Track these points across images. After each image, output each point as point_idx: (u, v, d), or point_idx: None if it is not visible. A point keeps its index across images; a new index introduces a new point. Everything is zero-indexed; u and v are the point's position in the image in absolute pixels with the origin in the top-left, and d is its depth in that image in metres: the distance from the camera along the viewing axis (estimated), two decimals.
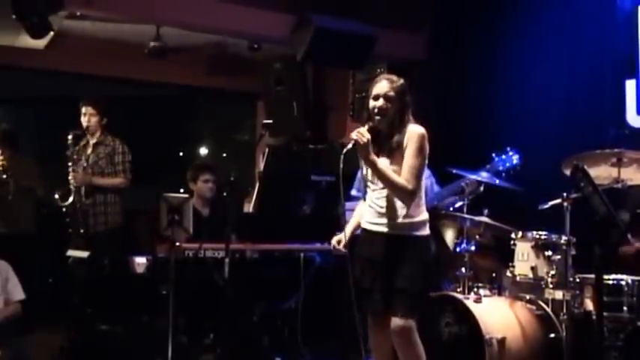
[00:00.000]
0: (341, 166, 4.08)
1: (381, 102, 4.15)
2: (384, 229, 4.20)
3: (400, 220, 4.16)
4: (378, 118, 4.14)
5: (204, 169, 6.65)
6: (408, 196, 4.12)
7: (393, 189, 4.11)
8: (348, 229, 4.36)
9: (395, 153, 4.15)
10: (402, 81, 4.23)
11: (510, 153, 5.57)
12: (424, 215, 4.24)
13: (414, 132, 4.15)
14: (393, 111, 4.15)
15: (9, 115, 10.30)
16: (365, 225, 4.30)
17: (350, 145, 4.05)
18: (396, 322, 4.11)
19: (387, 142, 4.17)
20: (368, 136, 4.04)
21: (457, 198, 5.71)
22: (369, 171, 4.20)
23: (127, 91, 9.48)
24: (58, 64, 8.11)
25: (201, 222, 6.09)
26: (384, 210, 4.19)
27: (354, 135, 4.05)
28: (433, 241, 4.57)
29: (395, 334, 4.15)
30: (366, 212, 4.30)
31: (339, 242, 4.37)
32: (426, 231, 4.23)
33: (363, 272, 4.22)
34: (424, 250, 4.22)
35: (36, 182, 7.10)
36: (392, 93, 4.15)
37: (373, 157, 4.07)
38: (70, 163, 6.50)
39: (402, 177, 4.08)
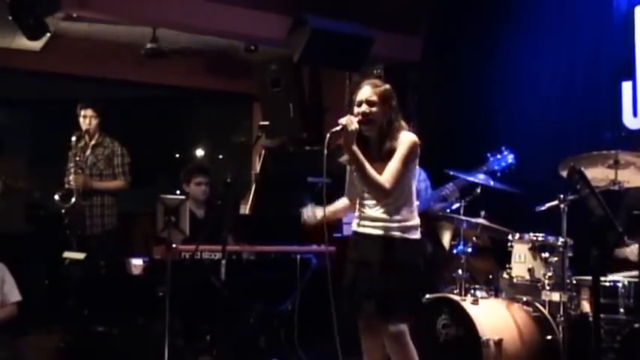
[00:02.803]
0: (325, 152, 4.04)
1: (363, 107, 4.11)
2: (376, 232, 4.17)
3: (393, 223, 4.14)
4: (363, 125, 4.08)
5: (197, 171, 6.66)
6: (383, 195, 4.09)
7: (370, 184, 4.08)
8: (330, 208, 4.32)
9: (385, 158, 4.11)
10: (386, 86, 4.20)
11: (505, 152, 5.59)
12: (416, 220, 4.22)
13: (406, 138, 4.12)
14: (379, 116, 4.11)
15: (5, 116, 10.31)
16: (356, 228, 4.28)
17: (338, 128, 4.00)
18: (388, 326, 4.10)
19: (378, 150, 4.14)
20: (356, 125, 4.02)
21: (452, 200, 5.72)
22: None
23: (123, 92, 9.48)
24: (54, 65, 8.10)
25: (196, 224, 6.08)
26: (376, 214, 4.16)
27: (343, 120, 4.01)
28: (430, 244, 4.56)
29: (387, 339, 4.14)
30: (357, 215, 4.28)
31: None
32: (417, 235, 4.20)
33: (355, 276, 4.19)
34: (415, 254, 4.19)
35: (24, 183, 7.11)
36: (374, 97, 4.11)
37: (356, 147, 4.02)
38: (71, 164, 6.50)
39: (382, 176, 4.05)
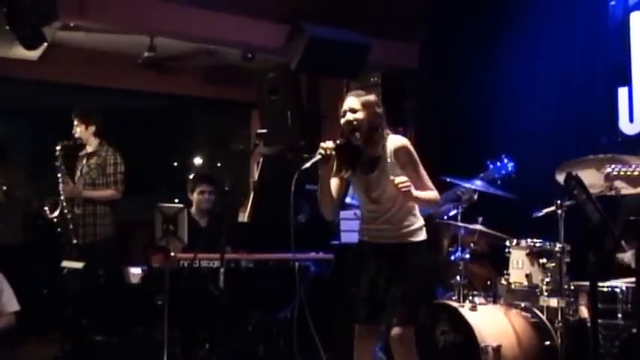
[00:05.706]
0: (293, 183, 4.12)
1: (348, 116, 4.14)
2: (384, 240, 4.20)
3: (400, 230, 4.18)
4: (351, 132, 4.12)
5: (201, 180, 6.64)
6: (436, 203, 4.27)
7: (431, 205, 4.21)
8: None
9: (378, 166, 4.15)
10: (371, 95, 4.25)
11: (505, 160, 5.59)
12: (421, 221, 4.26)
13: (400, 144, 4.14)
14: (363, 122, 4.13)
15: (2, 126, 10.31)
16: (363, 236, 4.30)
17: (310, 163, 4.07)
18: (398, 330, 4.10)
19: (367, 157, 4.18)
20: (332, 145, 4.05)
21: (452, 206, 5.72)
22: (370, 180, 4.18)
23: (121, 101, 9.48)
24: (51, 75, 8.10)
25: (199, 232, 6.07)
26: (384, 222, 4.19)
27: (320, 149, 4.05)
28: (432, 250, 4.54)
29: (396, 342, 4.12)
30: (364, 225, 4.29)
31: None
32: (423, 236, 4.24)
33: (362, 282, 4.20)
34: (423, 256, 4.21)
35: (24, 192, 7.11)
36: (358, 105, 4.14)
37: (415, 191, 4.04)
38: (59, 175, 6.47)
39: (426, 190, 4.14)
